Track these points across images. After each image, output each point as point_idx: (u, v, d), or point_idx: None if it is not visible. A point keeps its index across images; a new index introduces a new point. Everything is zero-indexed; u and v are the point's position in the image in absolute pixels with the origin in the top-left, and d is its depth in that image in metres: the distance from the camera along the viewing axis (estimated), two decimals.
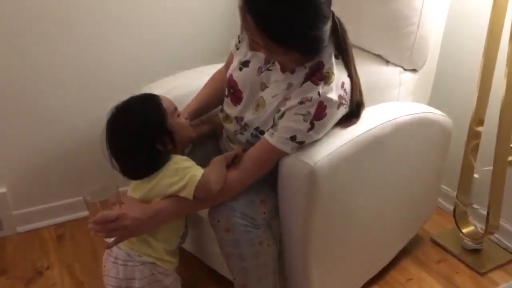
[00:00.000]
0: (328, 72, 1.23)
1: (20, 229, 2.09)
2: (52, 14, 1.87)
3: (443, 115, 1.61)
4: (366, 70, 1.67)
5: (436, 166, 1.71)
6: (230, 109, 1.43)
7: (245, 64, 1.40)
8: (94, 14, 1.94)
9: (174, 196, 1.24)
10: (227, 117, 1.45)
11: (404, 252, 1.84)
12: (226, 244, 1.30)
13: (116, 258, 1.29)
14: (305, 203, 1.24)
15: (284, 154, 1.25)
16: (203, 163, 1.29)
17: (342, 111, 1.26)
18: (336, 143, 1.26)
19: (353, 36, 1.73)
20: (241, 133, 1.40)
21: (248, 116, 1.37)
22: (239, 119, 1.39)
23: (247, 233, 1.27)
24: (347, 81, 1.26)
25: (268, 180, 1.32)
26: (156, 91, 1.66)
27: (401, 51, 1.64)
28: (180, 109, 1.41)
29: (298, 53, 1.19)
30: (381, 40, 1.68)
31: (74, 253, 1.93)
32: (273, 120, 1.28)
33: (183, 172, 1.22)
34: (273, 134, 1.25)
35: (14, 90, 1.91)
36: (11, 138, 1.97)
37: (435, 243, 1.94)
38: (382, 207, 1.50)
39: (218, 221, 1.28)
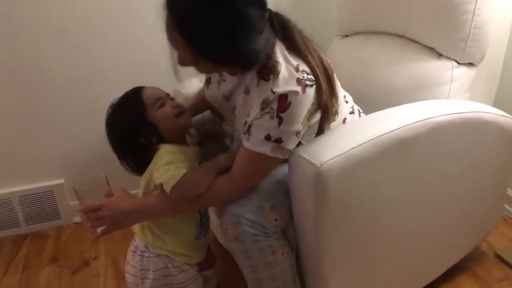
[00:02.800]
0: (272, 63, 1.13)
1: (76, 219, 2.20)
2: (107, 15, 1.95)
3: (505, 115, 1.42)
4: (413, 65, 1.56)
5: (499, 171, 1.53)
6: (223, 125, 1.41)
7: (208, 81, 1.39)
8: (144, 8, 1.98)
9: (162, 193, 1.22)
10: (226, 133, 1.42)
11: (460, 266, 1.67)
12: (237, 254, 1.25)
13: (136, 247, 1.32)
14: (314, 208, 1.15)
15: (269, 159, 1.16)
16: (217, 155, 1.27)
17: (311, 91, 1.13)
18: (349, 143, 1.15)
19: (402, 26, 1.62)
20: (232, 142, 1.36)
21: (231, 130, 1.32)
22: (229, 133, 1.36)
23: (256, 242, 1.21)
24: (303, 64, 1.15)
25: (280, 184, 1.25)
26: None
27: (455, 43, 1.48)
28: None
29: (234, 67, 1.15)
30: (432, 30, 1.52)
31: (121, 245, 1.99)
32: (246, 126, 1.19)
33: (165, 167, 1.19)
34: (248, 138, 1.17)
35: (69, 87, 2.01)
36: (68, 132, 2.08)
37: (499, 258, 1.74)
38: (419, 218, 1.36)
39: (226, 229, 1.23)
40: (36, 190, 2.12)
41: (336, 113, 1.28)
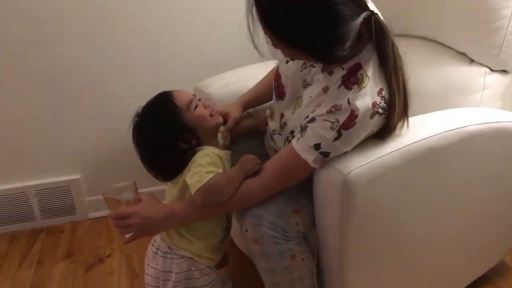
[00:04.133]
0: (362, 75, 1.07)
1: (92, 215, 2.17)
2: (125, 13, 1.91)
3: None
4: (443, 71, 1.50)
5: None
6: (274, 104, 1.34)
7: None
8: (163, 9, 1.94)
9: (189, 199, 1.19)
10: (271, 114, 1.36)
11: (483, 280, 1.61)
12: (256, 256, 1.21)
13: (157, 248, 1.29)
14: (339, 216, 1.10)
15: (307, 167, 1.11)
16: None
17: (378, 120, 1.08)
18: (378, 152, 1.09)
19: (433, 29, 1.56)
20: (279, 133, 1.29)
21: (288, 115, 1.26)
22: (281, 116, 1.29)
23: (276, 245, 1.16)
24: (385, 86, 1.08)
25: (303, 189, 1.19)
26: (213, 85, 1.64)
27: (488, 49, 1.42)
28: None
29: (309, 56, 1.07)
30: (464, 35, 1.46)
31: (136, 243, 1.92)
32: (300, 126, 1.15)
33: (195, 170, 1.16)
34: (299, 139, 1.12)
35: (83, 83, 1.97)
36: (87, 128, 2.04)
37: None
38: (445, 228, 1.30)
39: (246, 230, 1.19)
40: (53, 184, 2.10)
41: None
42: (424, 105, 1.41)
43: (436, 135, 1.14)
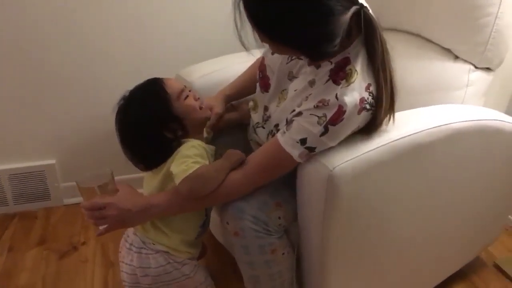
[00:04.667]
0: (350, 70, 1.04)
1: (67, 201, 2.11)
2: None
3: None
4: (428, 65, 1.48)
5: (508, 181, 1.46)
6: (258, 96, 1.30)
7: None
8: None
9: (170, 191, 1.14)
10: (255, 106, 1.32)
11: (459, 275, 1.61)
12: (236, 249, 1.18)
13: (131, 244, 1.23)
14: (323, 211, 1.08)
15: (291, 161, 1.08)
16: (229, 149, 1.18)
17: (364, 116, 1.06)
18: (364, 147, 1.07)
19: (419, 24, 1.54)
20: (263, 127, 1.26)
21: (272, 108, 1.23)
22: (265, 109, 1.25)
23: (257, 239, 1.13)
24: (373, 81, 1.06)
25: (287, 182, 1.16)
26: (195, 74, 1.59)
27: (473, 46, 1.40)
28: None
29: (300, 52, 1.04)
30: (450, 31, 1.44)
31: (112, 232, 1.90)
32: (286, 120, 1.11)
33: (181, 160, 1.11)
34: (284, 133, 1.08)
35: (64, 66, 1.91)
36: (61, 113, 1.98)
37: (498, 269, 1.68)
38: (426, 225, 1.29)
39: (227, 223, 1.16)
40: (27, 169, 2.03)
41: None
42: (408, 100, 1.38)
43: (422, 131, 1.12)
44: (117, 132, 1.18)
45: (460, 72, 1.43)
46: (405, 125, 1.14)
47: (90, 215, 1.10)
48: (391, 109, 1.11)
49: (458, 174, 1.26)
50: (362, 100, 1.02)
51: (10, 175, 2.01)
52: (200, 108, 1.20)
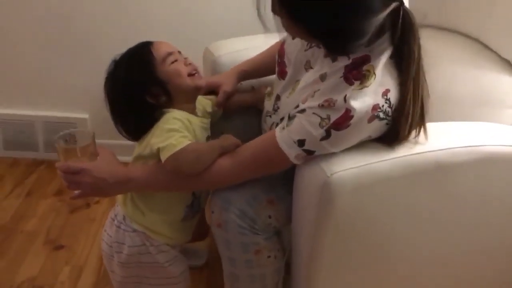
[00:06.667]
0: (369, 71, 0.87)
1: None
2: None
3: None
4: (481, 76, 1.26)
5: None
6: (275, 82, 1.14)
7: None
8: None
9: (153, 165, 1.02)
10: (270, 92, 1.16)
11: None
12: (218, 241, 1.06)
13: (115, 215, 1.14)
14: (315, 218, 0.92)
15: (287, 161, 0.93)
16: (240, 133, 1.05)
17: (377, 125, 0.88)
18: (372, 156, 0.90)
19: (479, 27, 1.31)
20: (270, 116, 1.10)
21: (283, 98, 1.07)
22: (276, 98, 1.09)
23: (241, 235, 1.00)
24: (395, 89, 0.88)
25: (284, 178, 1.01)
26: (223, 49, 1.44)
27: None
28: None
29: (321, 42, 0.89)
30: (511, 40, 1.22)
31: None
32: (288, 115, 0.95)
33: (167, 134, 0.99)
34: (283, 129, 0.93)
35: (94, 25, 1.84)
36: (98, 69, 1.90)
37: None
38: (434, 255, 1.09)
39: (213, 212, 1.03)
40: (60, 119, 1.98)
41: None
42: (450, 111, 1.20)
43: (446, 149, 0.93)
44: (105, 97, 1.08)
45: None
46: (429, 139, 0.95)
47: (64, 178, 1.01)
48: (421, 122, 0.93)
49: (484, 204, 1.05)
50: (375, 107, 0.86)
51: (43, 122, 1.98)
52: (190, 74, 1.06)
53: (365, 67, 0.87)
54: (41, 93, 1.96)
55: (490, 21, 1.26)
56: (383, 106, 0.86)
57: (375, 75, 0.86)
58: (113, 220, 1.13)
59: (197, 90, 1.10)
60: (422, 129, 0.94)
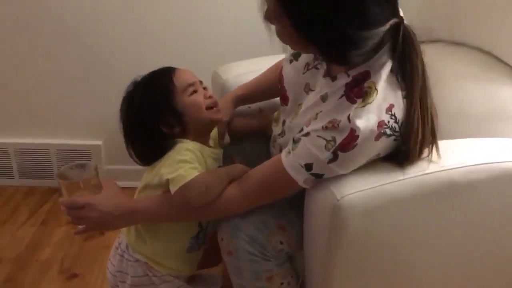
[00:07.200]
0: (370, 87, 0.84)
1: None
2: None
3: None
4: (494, 90, 1.22)
5: None
6: (281, 108, 1.11)
7: (296, 56, 1.06)
8: None
9: (160, 196, 1.00)
10: (277, 117, 1.14)
11: None
12: (229, 269, 1.02)
13: (119, 244, 1.12)
14: (326, 244, 0.88)
15: (295, 186, 0.89)
16: (249, 158, 1.03)
17: (385, 143, 0.85)
18: (383, 177, 0.86)
19: (490, 40, 1.27)
20: (277, 141, 1.08)
21: (287, 122, 1.04)
22: (283, 123, 1.07)
23: (251, 262, 0.97)
24: (399, 104, 0.85)
25: (296, 203, 0.98)
26: (230, 72, 1.43)
27: None
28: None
29: (317, 50, 0.86)
30: None
31: None
32: (293, 139, 0.91)
33: (177, 165, 0.96)
34: (289, 153, 0.89)
35: (115, 49, 1.84)
36: (112, 95, 1.90)
37: None
38: (454, 274, 1.04)
39: (222, 239, 1.00)
40: (75, 146, 1.99)
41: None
42: (464, 127, 1.17)
43: (460, 167, 0.89)
44: (119, 118, 1.06)
45: None
46: (442, 158, 0.91)
47: (68, 213, 0.99)
48: (433, 140, 0.90)
49: (502, 223, 1.00)
50: (381, 124, 0.82)
51: (58, 150, 1.99)
52: (209, 108, 1.04)
53: (366, 84, 0.84)
54: (54, 121, 1.97)
55: (502, 33, 1.23)
56: (388, 122, 0.83)
57: (377, 90, 0.83)
58: (117, 249, 1.11)
59: (214, 124, 1.08)
60: (434, 147, 0.91)
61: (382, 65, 0.85)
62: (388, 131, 0.83)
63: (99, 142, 2.00)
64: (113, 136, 1.94)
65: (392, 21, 0.81)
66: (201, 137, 1.06)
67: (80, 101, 1.92)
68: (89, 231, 1.04)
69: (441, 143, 0.98)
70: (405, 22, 0.83)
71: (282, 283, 1.01)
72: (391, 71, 0.85)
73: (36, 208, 1.89)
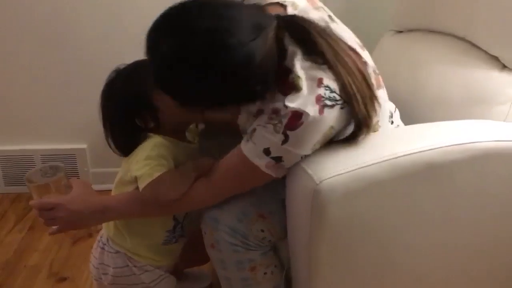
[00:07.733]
0: (293, 77, 0.85)
1: (95, 187, 2.02)
2: None
3: None
4: (470, 75, 1.23)
5: None
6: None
7: None
8: None
9: (130, 193, 1.01)
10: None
11: None
12: (213, 262, 1.03)
13: (101, 237, 1.13)
14: (308, 229, 0.89)
15: (261, 173, 0.89)
16: (221, 151, 1.01)
17: (333, 114, 0.85)
18: (361, 160, 0.87)
19: (463, 26, 1.29)
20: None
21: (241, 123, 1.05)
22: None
23: (234, 253, 0.97)
24: (328, 76, 0.85)
25: (276, 191, 0.98)
26: None
27: None
28: None
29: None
30: (499, 36, 1.20)
31: None
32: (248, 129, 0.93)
33: (144, 162, 0.97)
34: (248, 141, 0.90)
35: (97, 51, 1.83)
36: (95, 98, 1.90)
37: None
38: (436, 256, 1.05)
39: (205, 233, 1.01)
40: (59, 151, 1.98)
41: (376, 126, 0.97)
42: (443, 113, 1.19)
43: (437, 148, 0.90)
44: (99, 105, 1.07)
45: (506, 85, 1.17)
46: (418, 140, 0.92)
47: (39, 215, 0.99)
48: (373, 98, 0.89)
49: (486, 202, 1.01)
50: (318, 97, 0.83)
51: (42, 155, 1.98)
52: None
53: (290, 76, 0.86)
54: (37, 126, 1.96)
55: (475, 19, 1.24)
56: (325, 94, 0.84)
57: (299, 77, 0.85)
58: (99, 242, 1.13)
59: (188, 125, 1.09)
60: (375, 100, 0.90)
61: (292, 54, 0.86)
62: (328, 102, 0.84)
63: (84, 146, 1.99)
64: (98, 139, 1.93)
65: (270, 34, 0.82)
66: (176, 133, 1.06)
67: (63, 105, 1.91)
68: (63, 231, 1.04)
69: (417, 126, 1.00)
70: (288, 9, 0.88)
71: (265, 273, 1.01)
72: (304, 54, 0.86)
73: (23, 214, 1.87)
